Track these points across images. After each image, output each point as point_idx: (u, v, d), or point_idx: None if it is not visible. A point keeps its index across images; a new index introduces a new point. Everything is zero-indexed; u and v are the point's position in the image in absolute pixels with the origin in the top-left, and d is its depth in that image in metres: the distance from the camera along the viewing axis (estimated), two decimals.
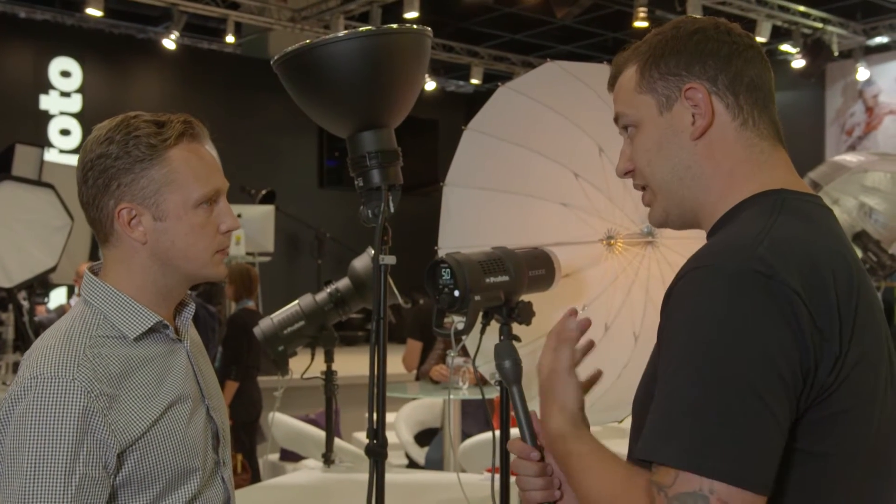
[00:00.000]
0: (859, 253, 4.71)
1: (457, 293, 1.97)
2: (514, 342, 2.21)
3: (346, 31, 1.77)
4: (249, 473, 5.57)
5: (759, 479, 1.01)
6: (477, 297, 1.99)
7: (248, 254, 9.00)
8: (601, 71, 2.30)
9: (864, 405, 1.09)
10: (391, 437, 5.11)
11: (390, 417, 5.20)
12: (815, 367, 1.04)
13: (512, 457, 1.37)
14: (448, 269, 1.98)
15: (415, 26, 1.82)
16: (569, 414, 1.27)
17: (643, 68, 1.25)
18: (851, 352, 1.06)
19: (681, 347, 1.06)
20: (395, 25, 1.80)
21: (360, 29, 1.77)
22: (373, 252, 1.86)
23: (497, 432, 2.12)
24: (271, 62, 1.82)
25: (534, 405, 2.61)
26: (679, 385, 1.05)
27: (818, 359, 1.04)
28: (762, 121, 1.23)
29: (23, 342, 5.75)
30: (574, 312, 1.37)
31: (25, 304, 5.84)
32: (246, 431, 5.64)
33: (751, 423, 1.01)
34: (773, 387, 1.02)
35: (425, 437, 5.41)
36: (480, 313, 2.09)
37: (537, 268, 2.16)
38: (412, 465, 5.25)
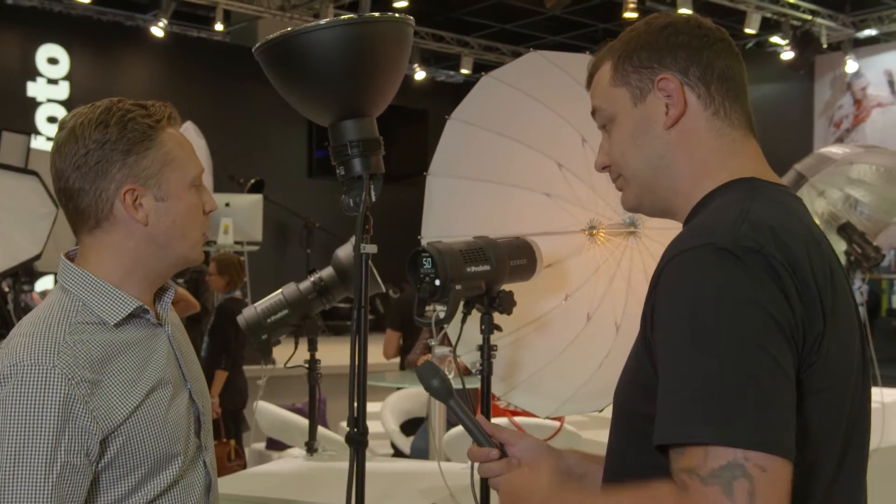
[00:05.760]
0: (844, 245, 4.72)
1: (437, 282, 1.97)
2: (496, 331, 2.22)
3: (327, 20, 1.77)
4: (243, 459, 5.58)
5: (786, 444, 1.00)
6: (458, 287, 2.00)
7: (236, 242, 8.97)
8: (584, 61, 2.28)
9: (838, 386, 1.10)
10: (377, 426, 5.14)
11: (376, 407, 5.21)
12: (802, 339, 1.05)
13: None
14: (429, 259, 1.98)
15: (397, 15, 1.82)
16: (545, 478, 1.29)
17: (617, 63, 1.29)
18: (828, 331, 1.08)
19: (683, 327, 1.05)
20: (376, 14, 1.79)
21: (342, 17, 1.77)
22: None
23: None
24: (253, 50, 1.82)
25: (514, 395, 2.61)
26: (690, 364, 1.03)
27: (805, 332, 1.06)
28: (734, 111, 1.26)
29: (6, 330, 5.74)
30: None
31: (10, 292, 5.82)
32: (232, 420, 5.65)
33: (769, 384, 1.00)
34: (781, 345, 1.02)
35: (411, 426, 5.42)
36: (462, 302, 2.09)
37: (519, 257, 2.17)
38: (398, 454, 5.25)
